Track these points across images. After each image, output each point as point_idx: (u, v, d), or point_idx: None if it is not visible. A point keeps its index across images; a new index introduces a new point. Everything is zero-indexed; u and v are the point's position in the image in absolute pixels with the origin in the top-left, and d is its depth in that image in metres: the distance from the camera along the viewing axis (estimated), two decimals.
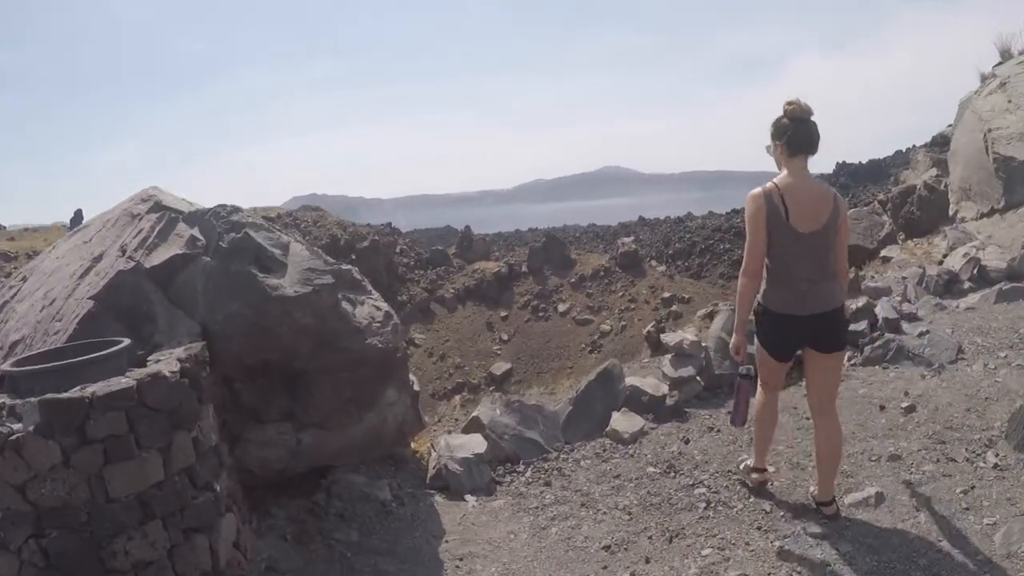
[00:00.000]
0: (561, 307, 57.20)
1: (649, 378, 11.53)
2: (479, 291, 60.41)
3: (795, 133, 6.63)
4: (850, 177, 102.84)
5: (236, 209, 8.72)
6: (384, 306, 9.81)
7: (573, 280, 59.31)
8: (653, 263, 66.46)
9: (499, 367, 53.19)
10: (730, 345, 7.08)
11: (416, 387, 10.44)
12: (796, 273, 6.70)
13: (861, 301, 12.75)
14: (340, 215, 71.78)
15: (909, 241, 22.91)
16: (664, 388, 11.04)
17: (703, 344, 11.70)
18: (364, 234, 62.82)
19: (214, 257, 8.03)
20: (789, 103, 6.68)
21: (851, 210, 26.88)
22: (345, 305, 8.75)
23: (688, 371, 11.16)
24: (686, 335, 12.01)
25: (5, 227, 62.47)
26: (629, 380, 11.16)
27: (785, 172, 6.73)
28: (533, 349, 54.41)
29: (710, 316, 16.69)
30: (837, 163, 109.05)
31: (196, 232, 8.26)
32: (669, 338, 11.94)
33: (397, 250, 64.27)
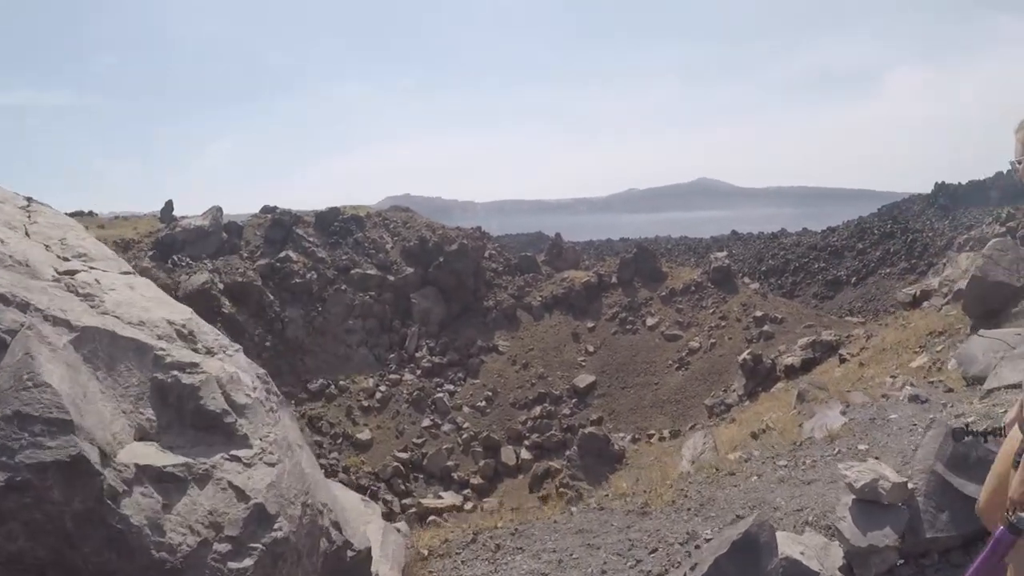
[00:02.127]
0: (650, 321, 55.73)
1: (811, 534, 7.90)
2: (567, 300, 59.30)
3: None
4: (949, 198, 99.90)
5: None
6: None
7: (663, 294, 57.78)
8: (746, 279, 64.65)
9: (583, 379, 52.03)
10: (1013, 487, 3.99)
11: None
12: None
13: None
14: (432, 217, 71.57)
15: None
16: (838, 558, 7.35)
17: (910, 486, 7.37)
18: (453, 237, 62.07)
19: None
20: None
21: (994, 239, 24.81)
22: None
23: (886, 535, 7.09)
24: (882, 469, 7.53)
25: (96, 214, 63.16)
26: (783, 549, 6.92)
27: None
28: (619, 363, 53.05)
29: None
30: (936, 183, 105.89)
31: None
32: (852, 473, 7.54)
33: (486, 254, 63.38)
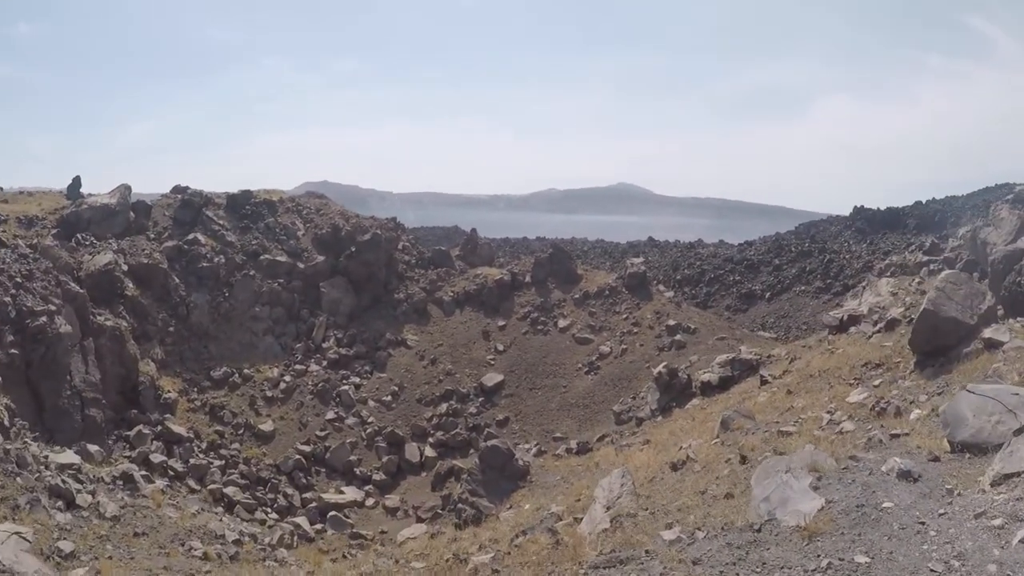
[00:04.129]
0: (562, 323, 55.71)
1: None
2: (479, 297, 59.09)
3: None
4: (867, 222, 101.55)
5: None
6: None
7: (577, 296, 57.79)
8: (660, 287, 64.96)
9: (491, 378, 51.87)
10: None
11: None
12: None
13: None
14: (348, 205, 70.85)
15: (1014, 320, 20.75)
16: None
17: None
18: (367, 226, 61.30)
19: None
20: None
21: (945, 271, 24.46)
22: None
23: None
24: None
25: (2, 188, 61.30)
26: None
27: None
28: (528, 363, 52.93)
29: None
30: (855, 207, 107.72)
31: None
32: None
33: (399, 246, 62.82)
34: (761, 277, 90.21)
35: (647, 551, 10.14)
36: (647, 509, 14.49)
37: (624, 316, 55.41)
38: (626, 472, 16.69)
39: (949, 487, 10.64)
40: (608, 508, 15.20)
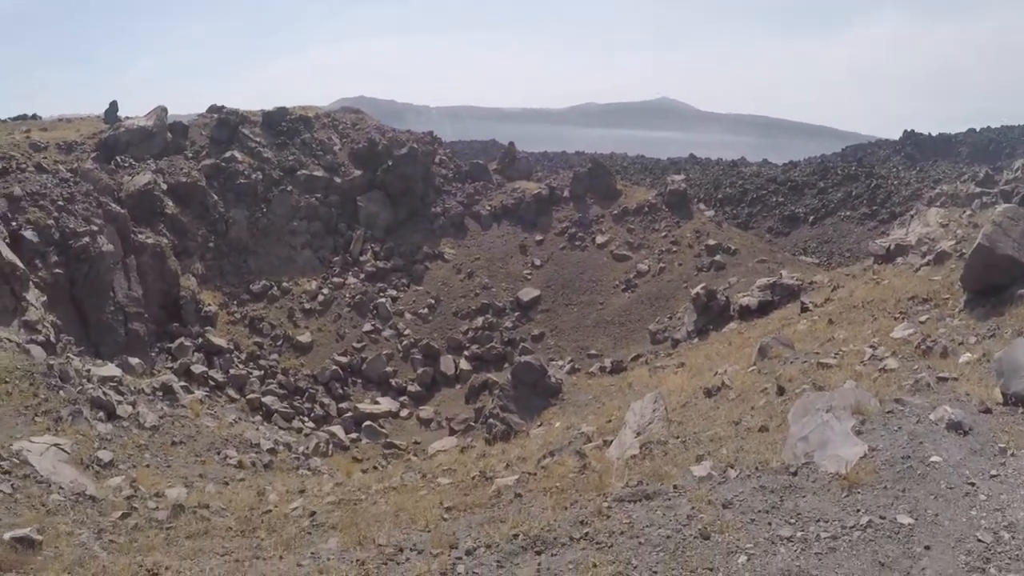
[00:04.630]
0: (600, 239, 55.34)
1: None
2: (516, 211, 58.79)
3: None
4: (916, 148, 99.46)
5: None
6: None
7: (616, 212, 57.31)
8: (701, 206, 64.24)
9: (527, 293, 51.87)
10: None
11: None
12: None
13: None
14: (385, 120, 70.41)
15: None
16: None
17: None
18: (403, 140, 61.06)
19: None
20: None
21: (1003, 205, 23.29)
22: None
23: None
24: None
25: (40, 117, 61.85)
26: None
27: None
28: (565, 279, 52.77)
29: None
30: (905, 131, 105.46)
31: None
32: None
33: (436, 160, 62.50)
34: (805, 200, 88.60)
35: (675, 486, 9.84)
36: (678, 437, 14.21)
37: (663, 234, 54.96)
38: (659, 397, 16.41)
39: (1002, 445, 9.89)
40: (638, 434, 14.79)
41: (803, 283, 36.40)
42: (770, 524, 8.25)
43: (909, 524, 7.95)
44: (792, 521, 8.26)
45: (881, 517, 8.14)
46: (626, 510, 9.15)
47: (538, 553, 8.28)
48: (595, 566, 7.63)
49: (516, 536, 8.72)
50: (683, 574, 7.42)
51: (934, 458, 9.40)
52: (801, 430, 10.86)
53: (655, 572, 7.50)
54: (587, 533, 8.56)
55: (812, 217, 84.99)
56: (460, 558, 8.32)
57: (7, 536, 10.70)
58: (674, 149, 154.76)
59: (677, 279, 50.16)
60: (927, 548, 7.50)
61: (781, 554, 7.61)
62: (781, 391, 15.63)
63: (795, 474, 9.51)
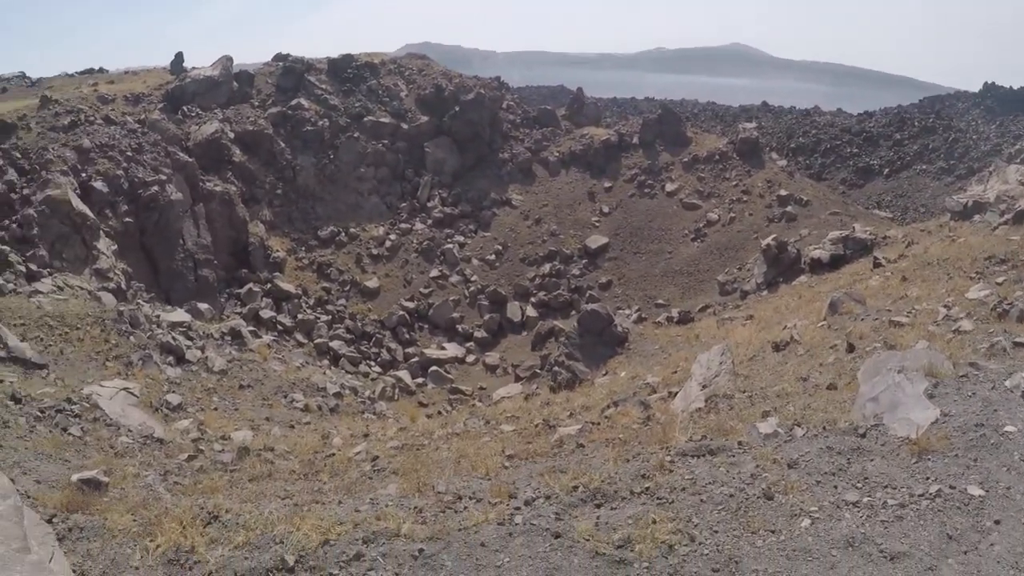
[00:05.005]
0: (669, 187, 54.55)
1: None
2: (585, 158, 58.20)
3: None
4: (997, 101, 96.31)
5: None
6: None
7: (686, 160, 56.43)
8: (773, 155, 63.06)
9: (595, 240, 51.44)
10: None
11: None
12: None
13: None
14: (451, 66, 70.11)
15: None
16: None
17: None
18: (470, 86, 60.65)
19: None
20: None
21: None
22: None
23: None
24: None
25: (107, 70, 62.76)
26: None
27: None
28: (633, 227, 52.25)
29: None
30: (985, 83, 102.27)
31: None
32: None
33: (504, 106, 62.01)
34: (880, 151, 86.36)
35: (740, 443, 9.52)
36: (744, 391, 13.91)
37: (734, 183, 54.00)
38: (726, 349, 16.09)
39: None
40: (704, 386, 14.49)
41: (876, 238, 35.39)
42: (836, 487, 7.91)
43: (980, 496, 7.55)
44: (859, 485, 7.90)
45: (951, 487, 7.75)
46: (689, 465, 8.92)
47: (597, 506, 8.11)
48: (655, 522, 7.44)
49: (576, 488, 8.55)
50: (744, 535, 7.19)
51: (1008, 427, 8.86)
52: (871, 390, 10.43)
53: (715, 531, 7.30)
54: (648, 488, 8.34)
55: (887, 170, 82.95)
56: (519, 508, 8.18)
57: (75, 478, 10.83)
58: (745, 96, 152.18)
59: (747, 229, 49.34)
60: (997, 522, 7.11)
61: (846, 520, 7.30)
62: (851, 348, 15.20)
63: (863, 436, 9.11)
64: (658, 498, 8.08)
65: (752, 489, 7.96)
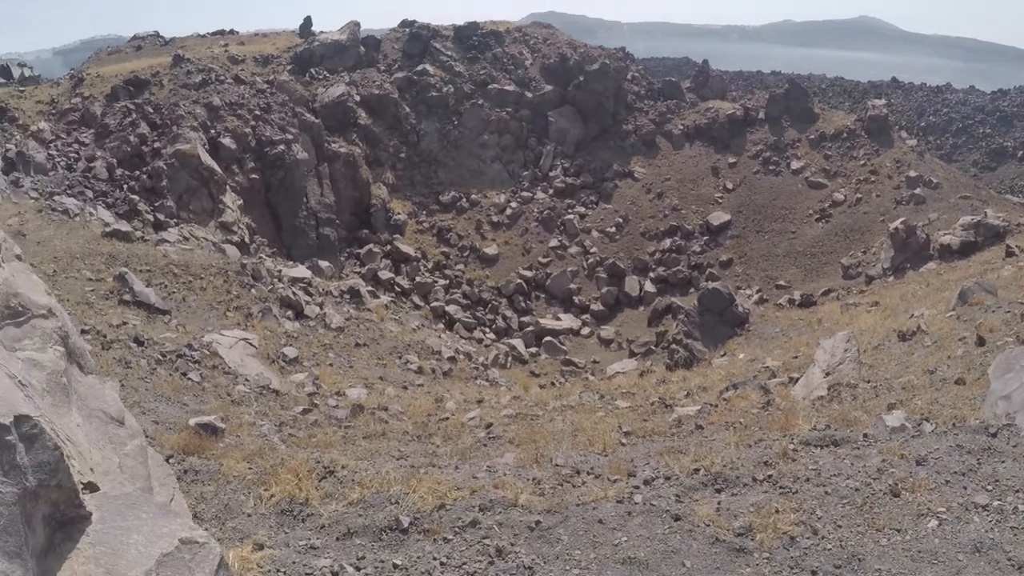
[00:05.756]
0: (795, 164, 52.96)
1: None
2: (709, 132, 57.00)
3: None
4: None
5: None
6: None
7: (812, 137, 54.75)
8: (902, 133, 60.85)
9: (717, 217, 50.38)
10: None
11: None
12: None
13: None
14: (576, 35, 69.58)
15: None
16: None
17: None
18: (595, 56, 60.06)
19: None
20: None
21: None
22: None
23: None
24: None
25: (237, 31, 64.37)
26: None
27: None
28: (757, 204, 50.98)
29: None
30: None
31: None
32: None
33: (628, 76, 61.18)
34: (1015, 132, 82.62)
35: (865, 435, 9.11)
36: (869, 381, 13.37)
37: (861, 162, 51.89)
38: (851, 336, 15.60)
39: None
40: (827, 374, 14.08)
41: (1009, 224, 33.78)
42: (965, 488, 7.40)
43: None
44: (989, 488, 7.36)
45: None
46: (812, 455, 8.55)
47: (718, 491, 7.84)
48: (778, 512, 7.14)
49: (697, 470, 8.29)
50: (869, 532, 6.84)
51: None
52: (1003, 387, 9.79)
53: (839, 526, 6.96)
54: (771, 475, 8.03)
55: (1022, 152, 79.53)
56: (638, 487, 7.97)
57: (192, 422, 11.03)
58: (875, 71, 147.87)
59: (874, 211, 47.41)
60: None
61: (975, 523, 6.82)
62: (981, 342, 14.43)
63: (995, 435, 8.52)
64: (781, 487, 7.77)
65: (878, 484, 7.58)
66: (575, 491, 8.02)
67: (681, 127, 57.94)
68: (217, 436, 10.86)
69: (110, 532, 3.82)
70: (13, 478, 3.28)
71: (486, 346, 38.27)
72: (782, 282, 44.81)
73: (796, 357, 19.51)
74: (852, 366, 14.35)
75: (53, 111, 40.78)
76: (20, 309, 4.74)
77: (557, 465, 8.98)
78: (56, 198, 30.24)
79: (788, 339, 26.26)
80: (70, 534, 3.71)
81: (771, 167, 53.57)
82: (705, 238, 49.66)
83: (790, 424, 10.28)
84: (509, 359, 36.58)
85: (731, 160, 54.89)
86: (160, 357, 15.00)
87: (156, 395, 12.86)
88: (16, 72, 56.14)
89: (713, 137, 56.84)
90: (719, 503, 7.50)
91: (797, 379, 15.35)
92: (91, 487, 4.11)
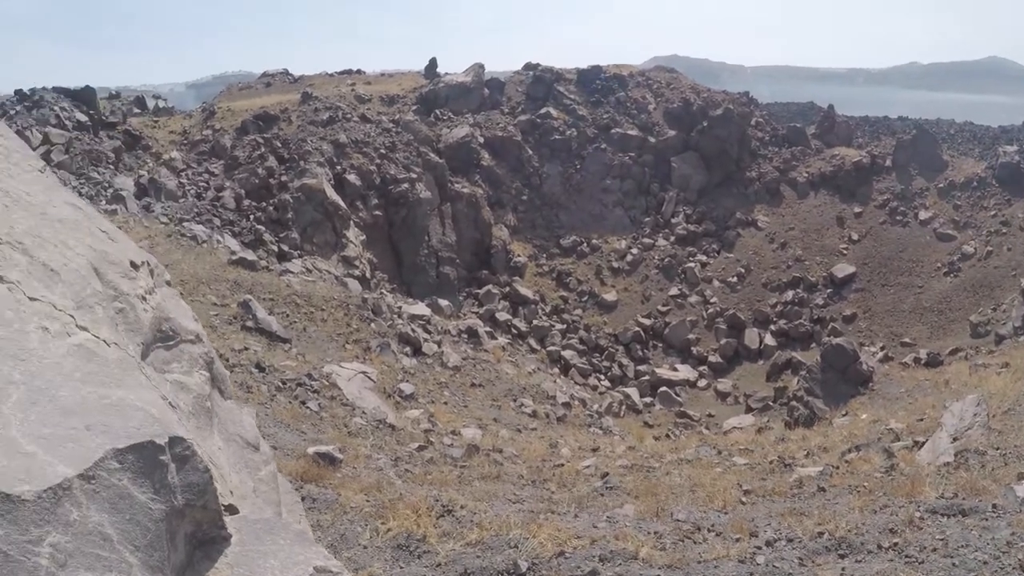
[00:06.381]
0: (923, 214, 51.35)
1: None
2: (834, 180, 55.94)
3: None
4: None
5: None
6: None
7: (941, 185, 53.11)
8: None
9: (842, 269, 49.11)
10: None
11: None
12: None
13: None
14: (699, 79, 69.38)
15: None
16: None
17: None
18: (719, 101, 59.71)
19: None
20: None
21: None
22: None
23: None
24: None
25: (364, 71, 65.93)
26: None
27: None
28: (883, 257, 49.54)
29: None
30: None
31: None
32: None
33: (752, 122, 60.65)
34: None
35: (994, 505, 8.66)
36: (998, 448, 12.78)
37: (992, 213, 49.70)
38: (982, 400, 15.05)
39: None
40: (955, 439, 13.55)
41: None
42: None
43: None
44: None
45: None
46: (939, 524, 8.23)
47: (842, 556, 7.61)
48: None
49: (821, 534, 8.07)
50: None
51: None
52: None
53: None
54: (896, 543, 7.76)
55: None
56: (760, 548, 7.80)
57: (311, 450, 11.23)
58: (1006, 115, 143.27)
59: (1005, 265, 45.23)
60: None
61: None
62: None
63: None
64: (907, 556, 7.50)
65: (1007, 559, 7.24)
66: (696, 547, 7.90)
67: (806, 175, 56.95)
68: (335, 466, 11.05)
69: (248, 555, 3.93)
70: (163, 496, 3.42)
71: (600, 393, 38.07)
72: (907, 339, 43.17)
73: (921, 420, 18.81)
74: (981, 431, 13.73)
75: (185, 141, 42.74)
76: (171, 333, 4.96)
77: (678, 520, 8.87)
78: (185, 224, 31.59)
79: (913, 400, 25.34)
80: (209, 554, 3.84)
81: (898, 217, 52.06)
82: (828, 291, 48.39)
83: (916, 491, 9.94)
84: (623, 408, 36.31)
85: (857, 210, 53.60)
86: (280, 384, 15.37)
87: (275, 421, 13.19)
88: (151, 103, 58.44)
89: (838, 185, 55.67)
90: (843, 569, 7.28)
91: (922, 443, 14.76)
92: (231, 509, 4.25)
